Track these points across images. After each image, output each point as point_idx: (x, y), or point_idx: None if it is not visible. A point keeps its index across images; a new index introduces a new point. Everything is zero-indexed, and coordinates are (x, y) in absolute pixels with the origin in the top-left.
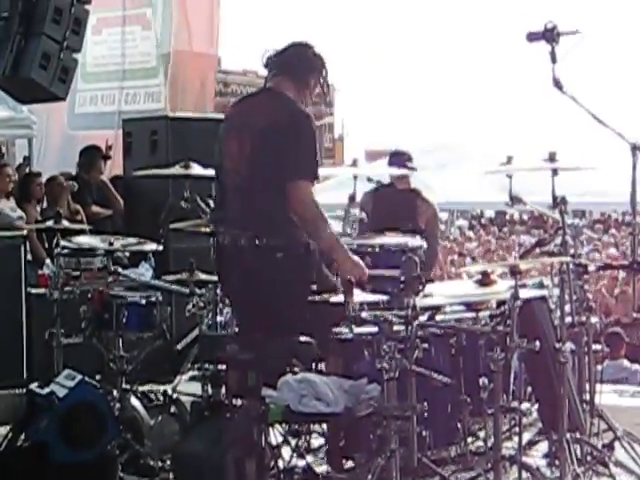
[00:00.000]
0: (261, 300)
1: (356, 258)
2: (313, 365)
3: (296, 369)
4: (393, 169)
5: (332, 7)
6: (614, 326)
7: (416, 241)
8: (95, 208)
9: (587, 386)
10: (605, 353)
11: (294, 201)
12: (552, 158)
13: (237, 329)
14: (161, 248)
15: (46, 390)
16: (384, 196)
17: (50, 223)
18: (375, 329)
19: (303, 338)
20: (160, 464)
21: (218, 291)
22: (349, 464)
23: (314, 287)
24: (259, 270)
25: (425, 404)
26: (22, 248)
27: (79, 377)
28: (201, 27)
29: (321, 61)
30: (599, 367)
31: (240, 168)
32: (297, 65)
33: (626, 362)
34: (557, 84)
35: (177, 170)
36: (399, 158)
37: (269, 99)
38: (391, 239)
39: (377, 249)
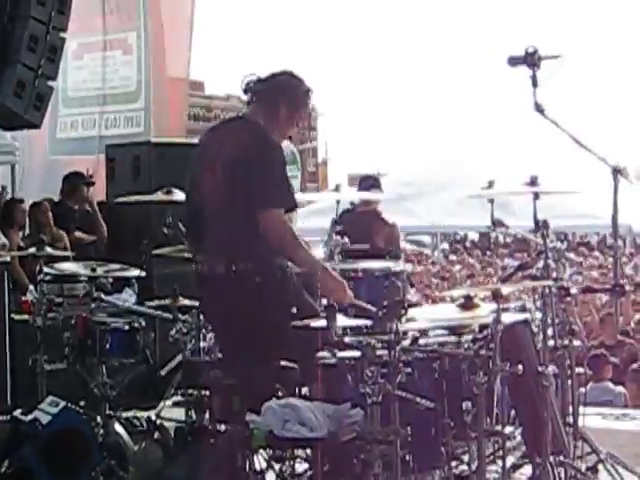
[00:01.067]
0: (242, 326)
1: (339, 280)
2: (296, 390)
3: (280, 394)
4: (362, 193)
5: (318, 32)
6: (598, 348)
7: (399, 265)
8: (78, 234)
9: (570, 409)
10: (589, 376)
11: (267, 230)
12: (534, 182)
13: (221, 355)
14: (144, 274)
15: (30, 417)
16: (345, 220)
17: (33, 250)
18: (358, 354)
19: (286, 363)
20: None
21: (201, 317)
22: None
23: (294, 311)
24: (238, 296)
25: (408, 428)
26: (5, 275)
27: (63, 403)
28: (175, 52)
29: (296, 88)
30: (582, 390)
31: (213, 197)
32: (269, 92)
33: (610, 385)
34: (538, 108)
35: (159, 196)
36: (366, 182)
37: (240, 128)
38: (374, 264)
39: (360, 273)
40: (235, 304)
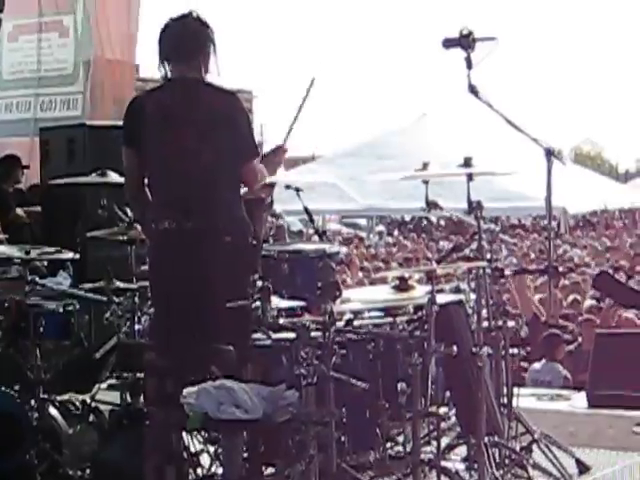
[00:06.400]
0: (202, 284)
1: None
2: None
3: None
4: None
5: (253, 13)
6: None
7: (334, 247)
8: (19, 211)
9: (505, 390)
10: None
11: (250, 181)
12: (467, 163)
13: (159, 330)
14: (78, 256)
15: None
16: None
17: None
18: (293, 335)
19: (223, 345)
20: (79, 473)
21: (136, 299)
22: (269, 470)
23: (256, 278)
24: (204, 253)
25: (343, 409)
26: None
27: None
28: (118, 34)
29: (205, 31)
30: (537, 365)
31: (186, 159)
32: (190, 46)
33: (559, 366)
34: (472, 90)
35: (94, 178)
36: None
37: (195, 89)
38: (309, 245)
39: (295, 255)
40: (199, 261)
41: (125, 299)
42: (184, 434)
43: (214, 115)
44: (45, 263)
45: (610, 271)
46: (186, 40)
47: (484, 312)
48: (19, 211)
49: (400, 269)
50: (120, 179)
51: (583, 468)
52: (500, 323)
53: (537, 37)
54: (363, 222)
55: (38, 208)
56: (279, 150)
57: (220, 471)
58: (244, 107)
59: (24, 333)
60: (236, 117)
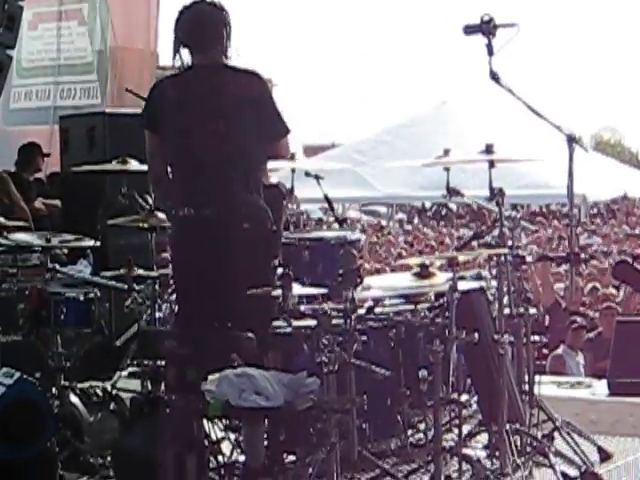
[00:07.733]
0: (221, 272)
1: None
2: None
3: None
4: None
5: (271, 1)
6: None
7: (355, 234)
8: (38, 204)
9: (526, 377)
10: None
11: (284, 155)
12: (489, 150)
13: (180, 317)
14: (99, 244)
15: None
16: None
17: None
18: (314, 322)
19: (244, 333)
20: (100, 461)
21: (157, 287)
22: (290, 458)
23: (276, 263)
24: (223, 240)
25: (365, 397)
26: None
27: (17, 375)
28: (139, 23)
29: (223, 15)
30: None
31: (212, 146)
32: (207, 31)
33: (579, 355)
34: (494, 76)
35: (114, 166)
36: None
37: (214, 73)
38: (330, 232)
39: (316, 242)
40: (217, 247)
41: (146, 287)
42: (205, 422)
43: (237, 99)
44: (65, 251)
45: (629, 259)
46: (202, 26)
47: (505, 299)
48: (38, 204)
49: (421, 256)
50: (140, 167)
51: (604, 455)
52: (521, 310)
53: (558, 23)
54: (383, 210)
55: (57, 201)
56: None
57: (241, 459)
58: (267, 86)
59: (45, 321)
60: (261, 98)
